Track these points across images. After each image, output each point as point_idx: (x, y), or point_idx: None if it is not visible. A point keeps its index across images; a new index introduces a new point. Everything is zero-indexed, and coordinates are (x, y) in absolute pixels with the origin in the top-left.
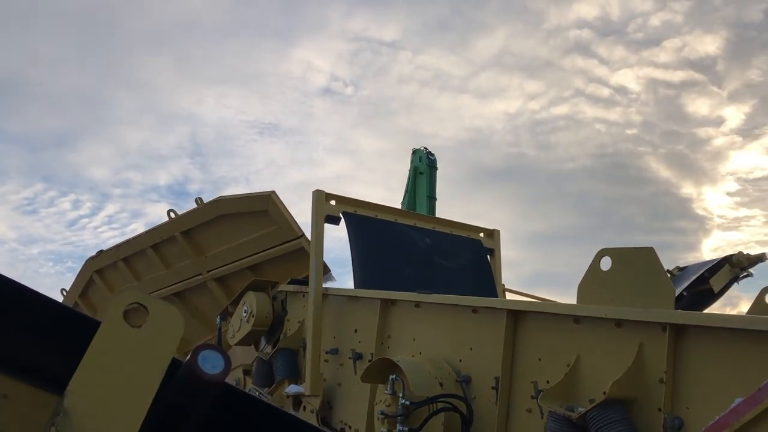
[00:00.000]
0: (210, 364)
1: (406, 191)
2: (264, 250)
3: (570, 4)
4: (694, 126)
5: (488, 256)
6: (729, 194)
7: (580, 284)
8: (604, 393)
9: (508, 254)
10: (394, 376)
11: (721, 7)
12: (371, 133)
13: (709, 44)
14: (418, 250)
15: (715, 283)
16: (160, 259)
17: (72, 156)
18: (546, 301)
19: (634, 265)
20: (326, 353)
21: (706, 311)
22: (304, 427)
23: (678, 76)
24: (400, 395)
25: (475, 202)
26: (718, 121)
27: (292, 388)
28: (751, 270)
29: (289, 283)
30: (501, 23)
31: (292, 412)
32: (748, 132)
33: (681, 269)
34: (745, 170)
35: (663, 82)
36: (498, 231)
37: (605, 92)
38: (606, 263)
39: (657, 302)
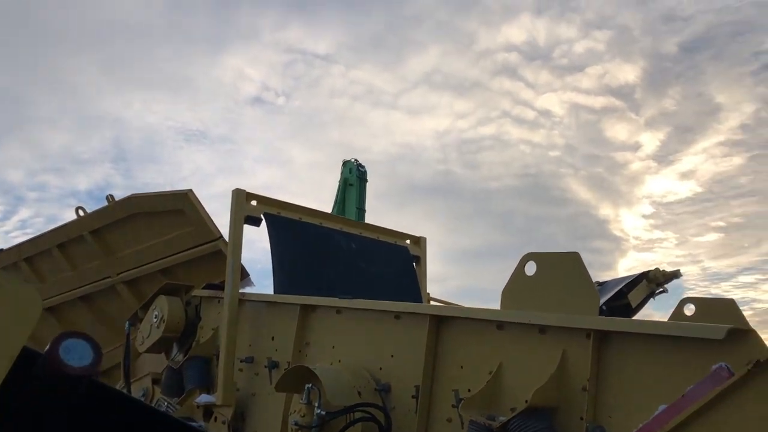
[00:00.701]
0: (75, 355)
1: (336, 202)
2: (179, 252)
3: (499, 27)
4: (613, 150)
5: (414, 264)
6: (644, 217)
7: (504, 289)
8: (526, 401)
9: (435, 268)
10: (310, 385)
11: (639, 38)
12: (302, 145)
13: (628, 73)
14: (343, 255)
15: (633, 297)
16: (66, 260)
17: None
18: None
19: (558, 270)
20: (241, 362)
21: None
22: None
23: (599, 101)
24: (316, 405)
25: (404, 216)
26: (635, 147)
27: (202, 398)
28: (666, 286)
29: (204, 288)
30: (433, 42)
31: (201, 423)
32: (662, 158)
33: (600, 284)
34: (659, 194)
35: (585, 107)
36: (425, 238)
37: (530, 114)
38: (531, 268)
39: (581, 308)
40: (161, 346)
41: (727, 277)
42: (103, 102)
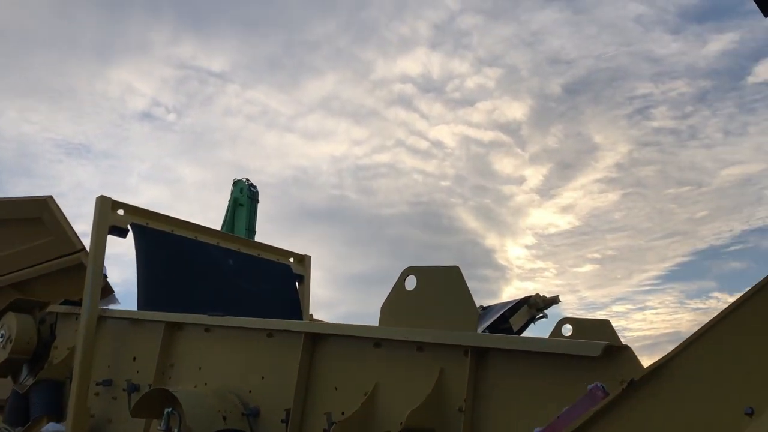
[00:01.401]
0: None
1: (224, 222)
2: (35, 265)
3: (395, 59)
4: (500, 183)
5: (297, 283)
6: (527, 247)
7: (383, 305)
8: (401, 424)
9: (325, 293)
10: (170, 409)
11: (527, 77)
12: (192, 163)
13: (516, 110)
14: (219, 272)
15: (515, 322)
16: None
17: None
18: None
19: (438, 284)
20: (97, 384)
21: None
22: None
23: (488, 135)
24: (175, 431)
25: (295, 240)
26: (520, 180)
27: (50, 427)
28: (546, 312)
29: (61, 304)
30: (331, 69)
31: None
32: (545, 192)
33: (484, 308)
34: (541, 226)
35: (475, 140)
36: (309, 257)
37: (424, 145)
38: (411, 282)
39: (460, 324)
40: (8, 369)
41: (601, 306)
42: None
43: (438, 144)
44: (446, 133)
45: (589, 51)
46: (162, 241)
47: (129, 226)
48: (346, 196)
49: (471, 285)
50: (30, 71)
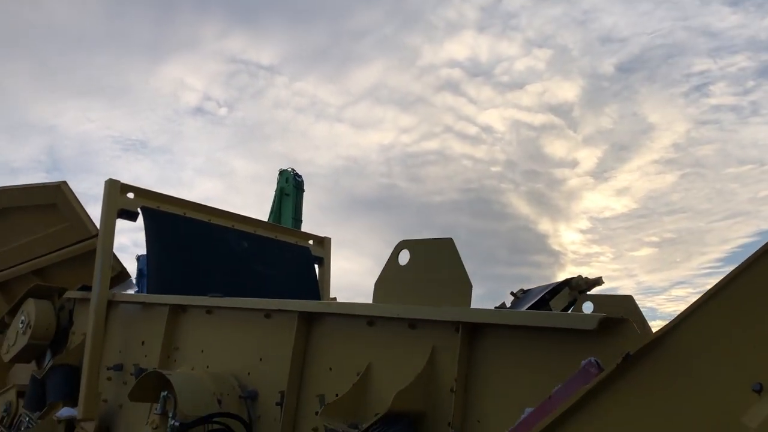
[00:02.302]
0: None
1: (271, 212)
2: (53, 252)
3: (442, 44)
4: (552, 166)
5: (316, 266)
6: (581, 231)
7: (377, 281)
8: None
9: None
10: (165, 393)
11: (578, 57)
12: (244, 156)
13: (567, 91)
14: (233, 255)
15: (555, 304)
16: None
17: None
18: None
19: (432, 258)
20: (108, 370)
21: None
22: None
23: (539, 118)
24: (170, 416)
25: (345, 229)
26: (573, 163)
27: (64, 412)
28: (588, 293)
29: (79, 290)
30: (377, 57)
31: None
32: (599, 174)
33: (525, 291)
34: (596, 210)
35: (525, 124)
36: (329, 239)
37: (473, 130)
38: (404, 257)
39: (454, 299)
40: (29, 355)
41: (660, 290)
42: (36, 109)
43: (487, 129)
44: (496, 118)
45: (643, 28)
46: (173, 225)
47: (139, 210)
48: (396, 185)
49: (524, 271)
50: (88, 71)
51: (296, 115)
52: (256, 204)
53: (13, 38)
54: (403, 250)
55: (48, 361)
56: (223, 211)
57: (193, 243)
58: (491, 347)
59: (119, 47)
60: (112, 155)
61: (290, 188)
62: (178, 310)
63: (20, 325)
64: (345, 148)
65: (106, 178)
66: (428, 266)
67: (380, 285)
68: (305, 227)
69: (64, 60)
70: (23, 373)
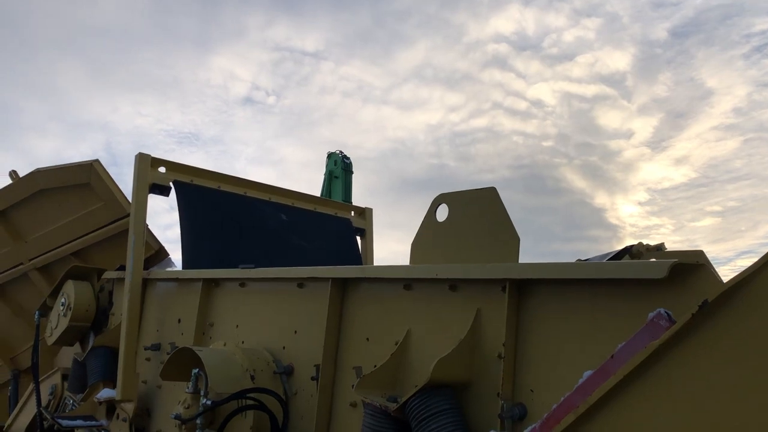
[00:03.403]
0: None
1: (321, 195)
2: (91, 232)
3: (487, 19)
4: (606, 138)
5: (358, 237)
6: (640, 204)
7: (413, 241)
8: (428, 377)
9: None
10: (196, 371)
11: (629, 25)
12: (294, 143)
13: (618, 60)
14: (270, 227)
15: None
16: None
17: None
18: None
19: (473, 211)
20: (146, 349)
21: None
22: None
23: (590, 90)
24: (202, 393)
25: (396, 211)
26: (628, 134)
27: (104, 393)
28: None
29: (117, 270)
30: (422, 36)
31: (102, 421)
32: (656, 144)
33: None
34: (654, 180)
35: (577, 96)
36: (371, 209)
37: (522, 105)
38: (443, 212)
39: (500, 254)
40: (71, 337)
41: (725, 261)
42: (91, 106)
43: (537, 103)
44: (545, 91)
45: None
46: (207, 198)
47: (171, 184)
48: (445, 165)
49: (581, 246)
50: (138, 66)
51: (343, 100)
52: (307, 190)
53: (67, 39)
54: (440, 205)
55: (90, 343)
56: (260, 183)
57: (228, 217)
58: (543, 306)
59: (167, 41)
60: (166, 149)
61: (339, 171)
62: (211, 284)
63: (61, 308)
64: (392, 130)
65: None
66: (469, 220)
67: (417, 245)
68: None
69: (115, 57)
70: (68, 356)
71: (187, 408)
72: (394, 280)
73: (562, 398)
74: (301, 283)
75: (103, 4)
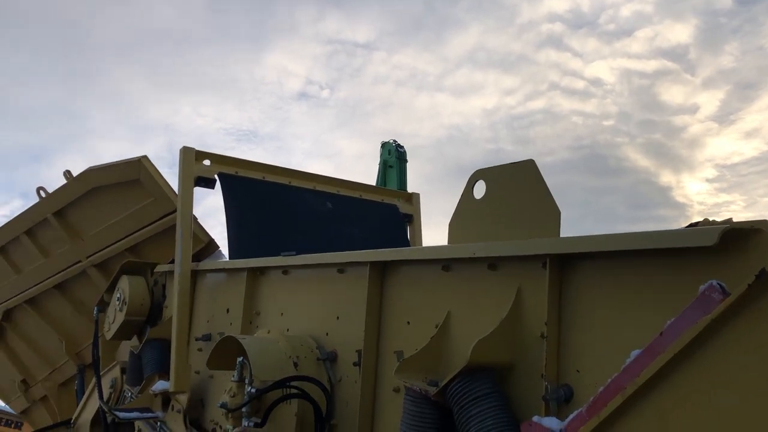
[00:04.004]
0: None
1: (377, 185)
2: (143, 227)
3: None
4: (670, 114)
5: (406, 223)
6: (708, 180)
7: (451, 220)
8: (468, 360)
9: None
10: (241, 359)
11: None
12: (349, 135)
13: (680, 33)
14: (315, 216)
15: None
16: (37, 247)
17: (47, 171)
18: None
19: (511, 186)
20: (197, 340)
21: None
22: None
23: (651, 65)
24: (247, 382)
25: (454, 198)
26: (693, 109)
27: (158, 385)
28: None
29: (169, 263)
30: (473, 20)
31: (158, 413)
32: (723, 118)
33: None
34: (722, 156)
35: (637, 72)
36: (417, 195)
37: (580, 84)
38: (480, 189)
39: (539, 230)
40: (127, 332)
41: None
42: (154, 109)
43: (596, 82)
44: (604, 69)
45: None
46: (251, 189)
47: (216, 176)
48: (503, 149)
49: (647, 227)
50: (196, 67)
51: (396, 89)
52: (364, 180)
53: (129, 45)
54: (478, 182)
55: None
56: (304, 172)
57: (273, 207)
58: (587, 281)
59: (223, 41)
60: (225, 147)
61: (393, 160)
62: (256, 273)
63: (117, 303)
64: (447, 116)
65: None
66: (507, 196)
67: (455, 224)
68: None
69: (174, 60)
70: (127, 350)
71: (233, 397)
72: (432, 262)
73: (609, 380)
74: (341, 268)
75: (160, 9)
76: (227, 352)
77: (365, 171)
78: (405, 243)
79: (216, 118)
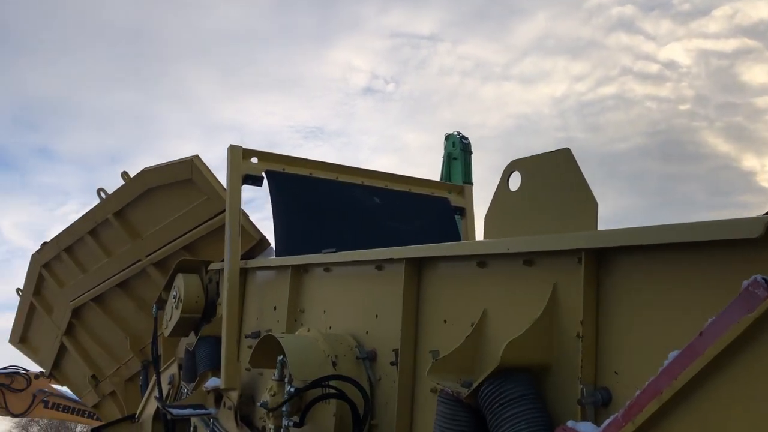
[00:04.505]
0: None
1: (441, 177)
2: (199, 225)
3: None
4: (752, 95)
5: (457, 216)
6: None
7: (486, 214)
8: (499, 361)
9: None
10: (281, 357)
11: None
12: (415, 129)
13: (763, 8)
14: (363, 212)
15: None
16: (100, 247)
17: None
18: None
19: (547, 177)
20: (246, 337)
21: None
22: None
23: (730, 45)
24: (286, 381)
25: None
26: None
27: (211, 382)
28: None
29: (222, 261)
30: (539, 7)
31: (211, 409)
32: None
33: None
34: None
35: (714, 53)
36: (470, 186)
37: (654, 68)
38: (515, 181)
39: (576, 222)
40: (184, 329)
41: None
42: (224, 109)
43: (670, 65)
44: (679, 51)
45: None
46: (299, 186)
47: (263, 174)
48: (573, 137)
49: (728, 214)
50: (263, 67)
51: (462, 80)
52: (430, 174)
53: (199, 48)
54: (513, 173)
55: None
56: (351, 167)
57: (320, 203)
58: (626, 277)
59: (288, 40)
60: (294, 144)
61: (457, 152)
62: (299, 270)
63: (173, 300)
64: (515, 105)
65: None
66: (543, 187)
67: (491, 218)
68: (478, 191)
69: (242, 60)
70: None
71: (273, 396)
72: (467, 258)
73: (647, 383)
74: (379, 265)
75: (227, 11)
76: (268, 351)
77: (431, 163)
78: (456, 237)
79: (284, 117)
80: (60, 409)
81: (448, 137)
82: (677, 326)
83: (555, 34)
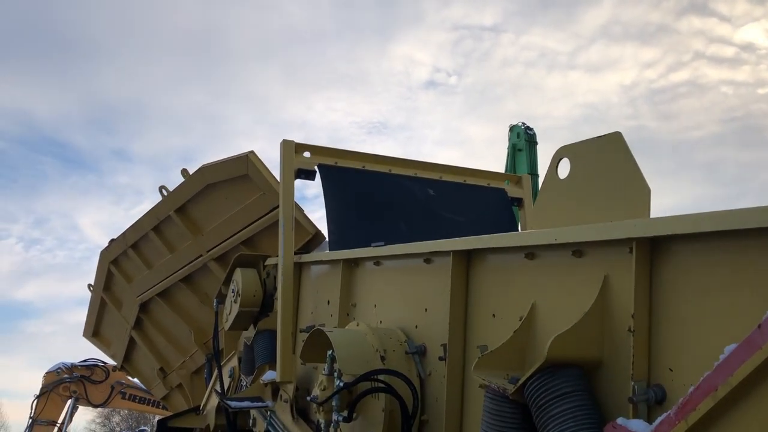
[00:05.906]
0: None
1: (506, 169)
2: (257, 220)
3: None
4: None
5: (514, 207)
6: None
7: (535, 203)
8: (545, 357)
9: None
10: (331, 352)
11: None
12: (478, 121)
13: None
14: (417, 204)
15: None
16: (163, 243)
17: None
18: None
19: (597, 162)
20: (301, 332)
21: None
22: None
23: None
24: (336, 375)
25: None
26: None
27: (268, 375)
28: None
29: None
30: None
31: (268, 402)
32: None
33: None
34: None
35: None
36: (528, 177)
37: (729, 51)
38: (564, 168)
39: (627, 210)
40: (242, 323)
41: None
42: (290, 107)
43: (747, 47)
44: (757, 32)
45: None
46: (351, 179)
47: (316, 168)
48: (644, 126)
49: None
50: (327, 64)
51: (526, 70)
52: (494, 167)
53: (263, 47)
54: (562, 159)
55: None
56: (404, 159)
57: (373, 196)
58: (681, 267)
59: (351, 36)
60: (357, 140)
61: (522, 143)
62: (351, 264)
63: (232, 294)
64: (582, 95)
65: None
66: (593, 173)
67: (540, 207)
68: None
69: (306, 58)
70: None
71: (323, 390)
72: (515, 249)
73: (701, 379)
74: (427, 258)
75: (290, 9)
76: (319, 345)
77: (496, 155)
78: (513, 229)
79: (347, 113)
80: (136, 401)
81: (512, 128)
82: (735, 319)
83: (622, 20)
